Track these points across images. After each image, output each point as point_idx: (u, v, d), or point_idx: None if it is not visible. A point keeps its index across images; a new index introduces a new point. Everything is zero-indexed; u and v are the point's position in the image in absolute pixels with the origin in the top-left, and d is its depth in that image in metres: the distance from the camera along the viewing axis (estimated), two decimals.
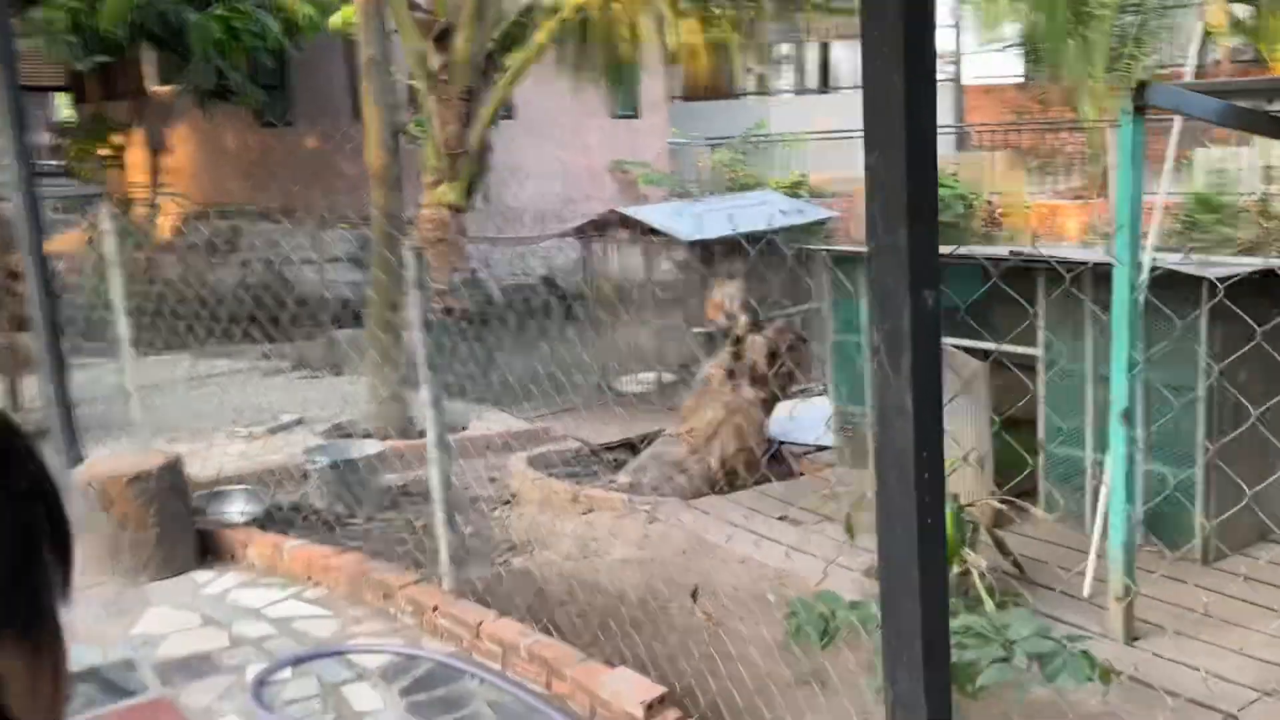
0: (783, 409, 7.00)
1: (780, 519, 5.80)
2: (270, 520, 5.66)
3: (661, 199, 20.59)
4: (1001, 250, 6.15)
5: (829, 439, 6.87)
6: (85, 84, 19.84)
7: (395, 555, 5.23)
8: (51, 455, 5.86)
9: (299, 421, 7.85)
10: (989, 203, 17.03)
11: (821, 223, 8.31)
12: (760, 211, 7.85)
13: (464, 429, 7.87)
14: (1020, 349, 5.46)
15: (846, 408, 6.42)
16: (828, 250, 6.41)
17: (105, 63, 19.32)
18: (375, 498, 6.08)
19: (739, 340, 6.91)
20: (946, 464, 1.92)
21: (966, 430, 5.22)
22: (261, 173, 18.83)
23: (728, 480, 6.66)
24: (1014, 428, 5.31)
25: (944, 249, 1.74)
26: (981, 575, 4.29)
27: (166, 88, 20.24)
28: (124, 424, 6.69)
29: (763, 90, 26.22)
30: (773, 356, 6.82)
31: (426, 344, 4.23)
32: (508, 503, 6.38)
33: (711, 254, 7.41)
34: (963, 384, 5.18)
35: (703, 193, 19.64)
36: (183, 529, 4.96)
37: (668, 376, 8.41)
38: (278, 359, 11.34)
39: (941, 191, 16.71)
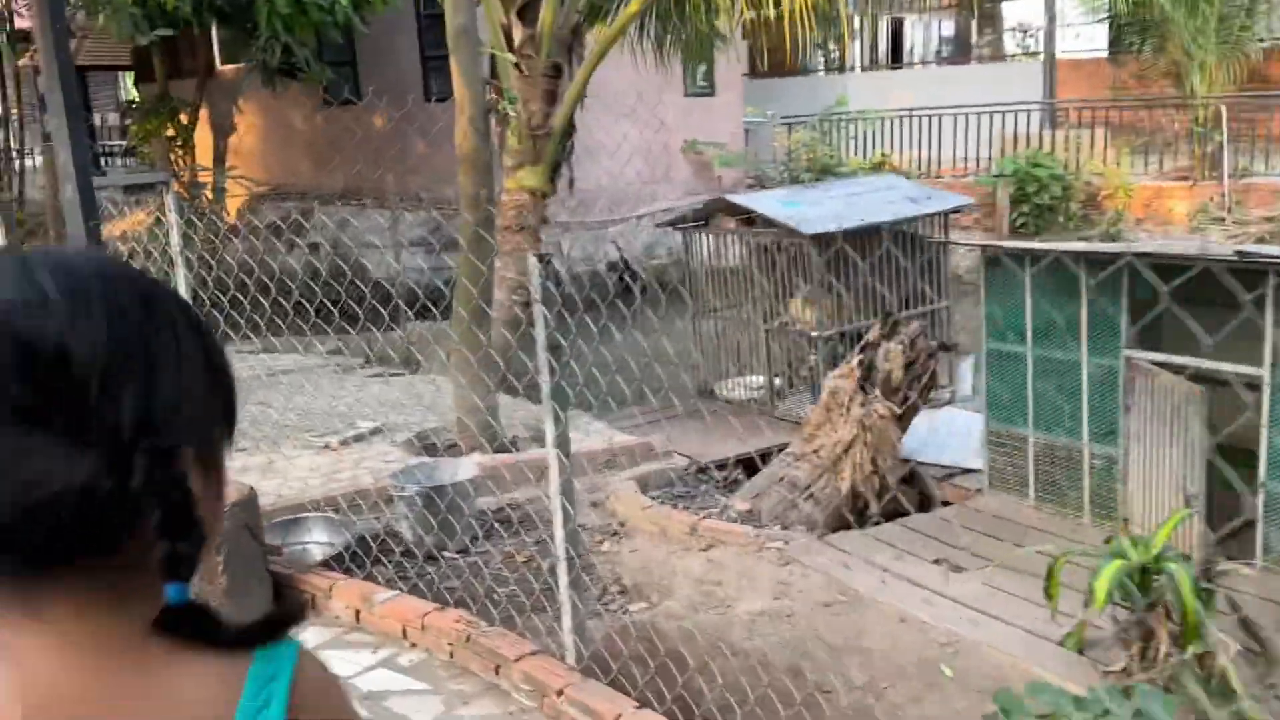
0: (918, 423, 6.14)
1: (936, 563, 4.96)
2: (352, 555, 4.94)
3: (736, 181, 19.70)
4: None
5: (972, 459, 6.02)
6: (150, 62, 19.30)
7: (497, 602, 4.49)
8: None
9: (377, 430, 7.13)
10: (1088, 184, 15.92)
11: (956, 210, 7.39)
12: (885, 199, 6.96)
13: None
14: (1229, 366, 4.56)
15: (1003, 427, 5.55)
16: (985, 246, 5.54)
17: (170, 40, 18.76)
18: (469, 527, 5.34)
19: (871, 347, 6.05)
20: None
21: (1175, 465, 4.33)
22: (328, 153, 18.20)
23: (858, 508, 5.83)
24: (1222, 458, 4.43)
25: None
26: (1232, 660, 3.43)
27: (232, 66, 19.68)
28: None
29: (834, 66, 25.17)
30: (908, 366, 5.96)
31: (551, 367, 3.44)
32: (616, 533, 5.60)
33: (829, 247, 6.55)
34: (1171, 410, 4.29)
35: (783, 175, 18.73)
36: (257, 577, 4.24)
37: (777, 381, 7.56)
38: (350, 354, 10.68)
39: (1037, 171, 15.66)
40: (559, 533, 3.58)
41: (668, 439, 7.00)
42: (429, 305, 11.39)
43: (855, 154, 18.86)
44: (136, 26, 11.68)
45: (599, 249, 17.92)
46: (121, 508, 0.75)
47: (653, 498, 5.96)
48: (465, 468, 5.52)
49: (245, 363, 8.91)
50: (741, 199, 7.36)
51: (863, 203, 6.93)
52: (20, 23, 14.96)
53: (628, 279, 15.65)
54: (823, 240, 6.40)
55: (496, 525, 5.54)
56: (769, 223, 6.62)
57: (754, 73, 21.86)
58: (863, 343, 6.13)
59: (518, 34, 9.23)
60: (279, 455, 6.65)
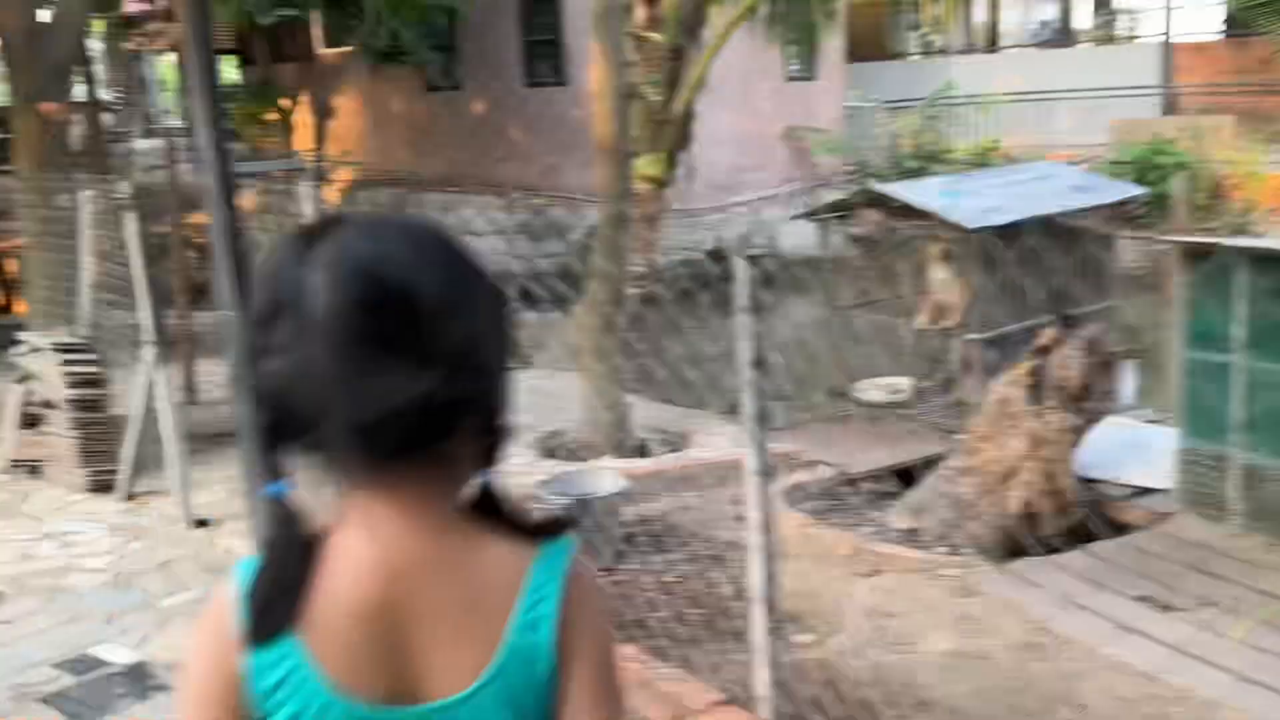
0: (1094, 436, 5.52)
1: (1141, 599, 4.37)
2: None
3: (834, 168, 18.98)
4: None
5: (1154, 478, 5.40)
6: (254, 46, 19.17)
7: (655, 631, 4.03)
8: (247, 473, 4.82)
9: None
10: (1214, 173, 14.95)
11: (1127, 201, 6.73)
12: (1049, 188, 6.34)
13: (683, 447, 6.64)
14: None
15: (1203, 444, 4.93)
16: (1184, 241, 4.92)
17: (273, 25, 18.59)
18: (614, 542, 4.88)
19: (1044, 351, 5.44)
20: None
21: None
22: (427, 139, 17.90)
23: (1029, 528, 5.24)
24: None
25: None
26: None
27: (334, 50, 19.46)
28: None
29: (930, 50, 24.27)
30: (1086, 372, 5.35)
31: (756, 388, 2.95)
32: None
33: (994, 241, 5.95)
34: None
35: (886, 162, 17.96)
36: None
37: (923, 384, 6.99)
38: None
39: (1161, 159, 14.75)
40: (757, 572, 3.09)
41: (803, 447, 6.48)
42: (529, 296, 11.02)
43: (964, 139, 17.99)
44: (259, 7, 11.44)
45: (695, 237, 17.36)
46: (451, 412, 1.00)
47: (801, 511, 5.44)
48: (608, 478, 5.06)
49: None
50: (893, 189, 6.78)
51: (1025, 192, 6.32)
52: (129, 6, 14.88)
53: (718, 270, 15.12)
54: (987, 234, 5.80)
55: (640, 539, 5.08)
56: (924, 214, 6.03)
57: (850, 57, 21.10)
58: (1035, 345, 5.53)
59: (640, 14, 8.73)
60: None
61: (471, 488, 1.05)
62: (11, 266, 17.05)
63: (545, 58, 16.49)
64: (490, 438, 1.05)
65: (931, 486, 5.51)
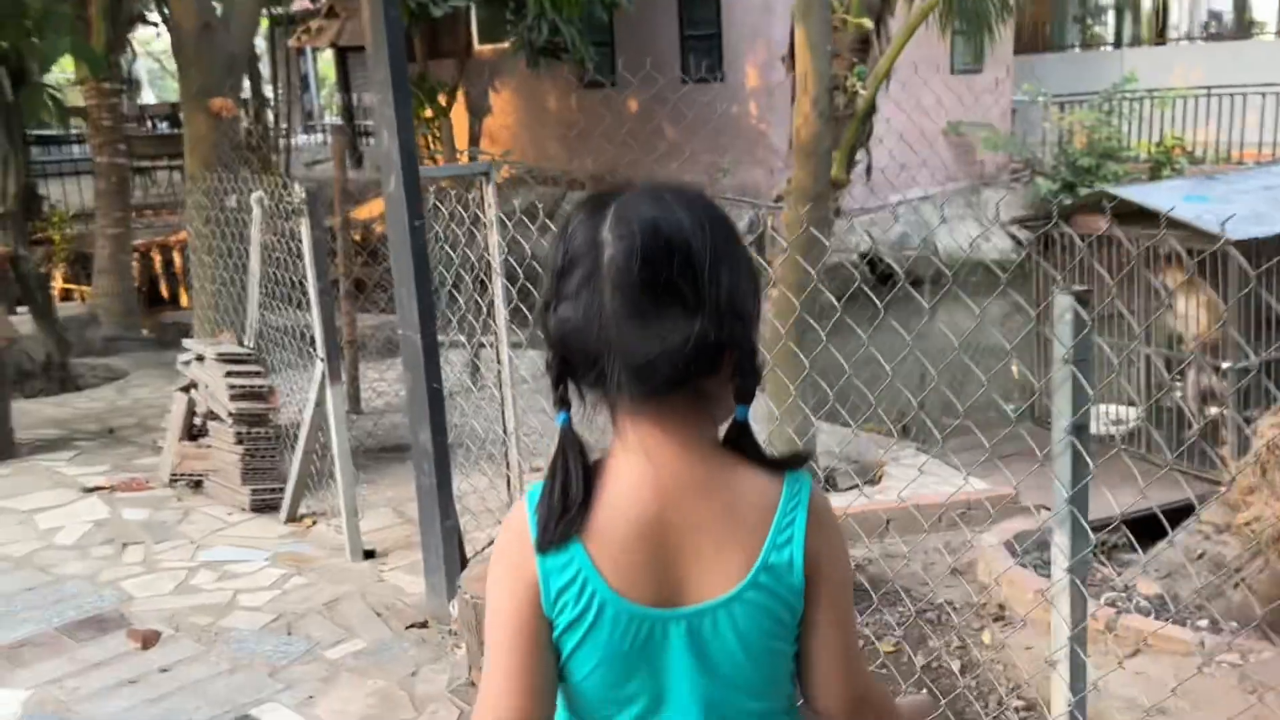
0: None
1: None
2: None
3: (1000, 166, 17.83)
4: None
5: None
6: (411, 43, 19.08)
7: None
8: (424, 504, 4.34)
9: None
10: None
11: None
12: None
13: (878, 480, 5.94)
14: None
15: None
16: None
17: (432, 20, 18.42)
18: None
19: None
20: None
21: None
22: (582, 137, 17.48)
23: None
24: None
25: None
26: None
27: (489, 46, 19.23)
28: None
29: (1099, 41, 22.74)
30: None
31: (1076, 452, 2.27)
32: (999, 618, 4.38)
33: (1257, 254, 5.07)
34: None
35: (1057, 160, 16.77)
36: None
37: (1150, 415, 6.11)
38: None
39: None
40: (1061, 696, 2.41)
41: (1010, 483, 5.70)
42: None
43: (1140, 136, 16.64)
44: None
45: (848, 238, 16.49)
46: (716, 352, 1.12)
47: (1030, 569, 4.70)
48: None
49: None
50: (1129, 191, 5.94)
51: None
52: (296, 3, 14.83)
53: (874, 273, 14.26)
54: (1250, 246, 4.93)
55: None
56: (1154, 219, 5.18)
57: (1015, 49, 19.84)
58: None
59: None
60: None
61: (727, 421, 1.20)
62: (180, 259, 17.41)
63: (704, 53, 15.88)
64: (745, 377, 1.16)
65: (1183, 545, 4.69)
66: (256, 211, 5.11)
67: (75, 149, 24.63)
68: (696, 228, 1.12)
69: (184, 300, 17.22)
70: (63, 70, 15.21)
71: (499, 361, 4.67)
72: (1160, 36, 23.69)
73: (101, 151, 10.42)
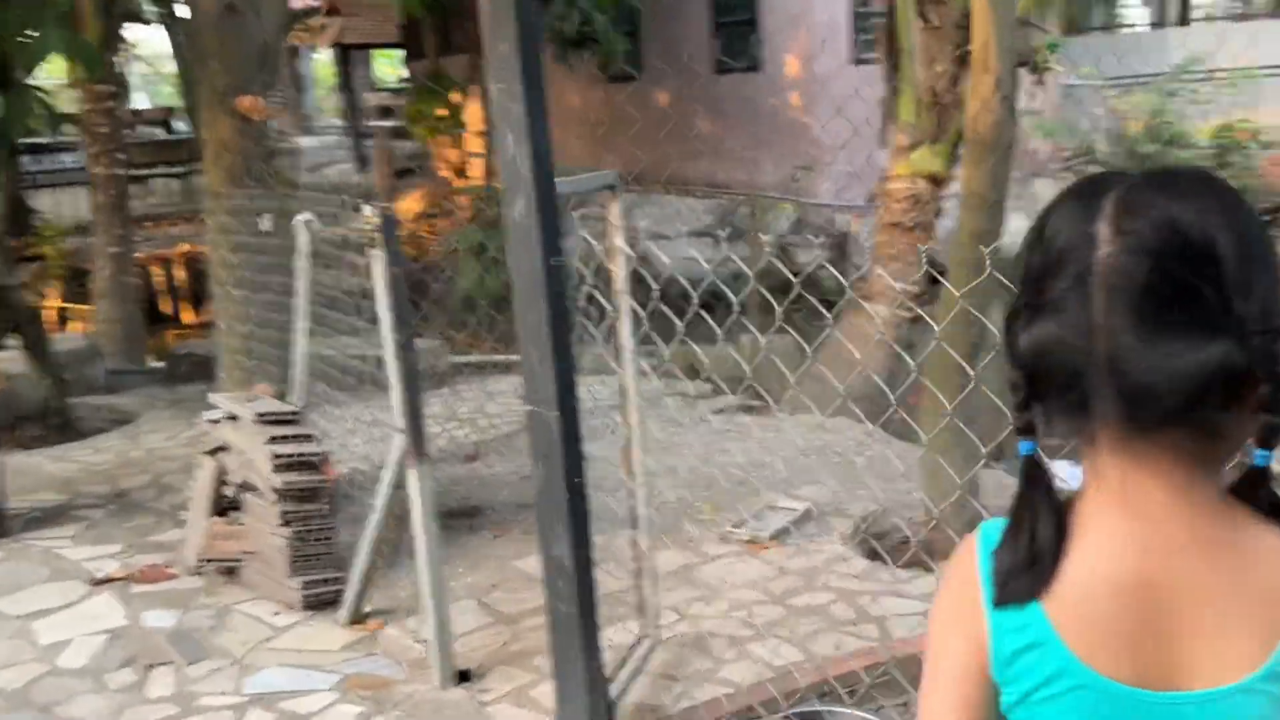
0: None
1: None
2: None
3: (1052, 155, 16.78)
4: None
5: None
6: (420, 39, 18.01)
7: None
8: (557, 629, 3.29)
9: (808, 514, 5.08)
10: None
11: None
12: None
13: None
14: None
15: None
16: None
17: (442, 14, 17.37)
18: None
19: None
20: None
21: None
22: (607, 134, 16.42)
23: None
24: None
25: None
26: None
27: None
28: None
29: (1149, 21, 21.70)
30: None
31: None
32: None
33: None
34: None
35: (1115, 148, 15.77)
36: None
37: None
38: (684, 378, 8.74)
39: None
40: None
41: None
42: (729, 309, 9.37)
43: (1202, 120, 15.57)
44: None
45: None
46: (1238, 381, 0.87)
47: None
48: None
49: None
50: None
51: None
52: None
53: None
54: None
55: None
56: None
57: (1062, 29, 18.75)
58: None
59: None
60: (684, 551, 4.70)
61: (1237, 467, 0.96)
62: (181, 273, 16.33)
63: (739, 41, 14.80)
64: (1273, 413, 0.89)
65: None
66: (303, 238, 4.06)
67: (65, 158, 23.51)
68: (1223, 221, 0.89)
69: (185, 316, 16.20)
70: (48, 73, 14.09)
71: (623, 395, 3.65)
72: (1184, 16, 22.66)
73: (98, 161, 9.36)
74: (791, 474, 5.68)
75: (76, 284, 15.52)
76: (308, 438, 4.40)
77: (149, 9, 10.73)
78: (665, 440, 6.37)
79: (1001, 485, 4.99)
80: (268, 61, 4.68)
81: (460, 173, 17.69)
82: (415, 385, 3.47)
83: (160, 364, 9.67)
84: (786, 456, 5.99)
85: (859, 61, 14.56)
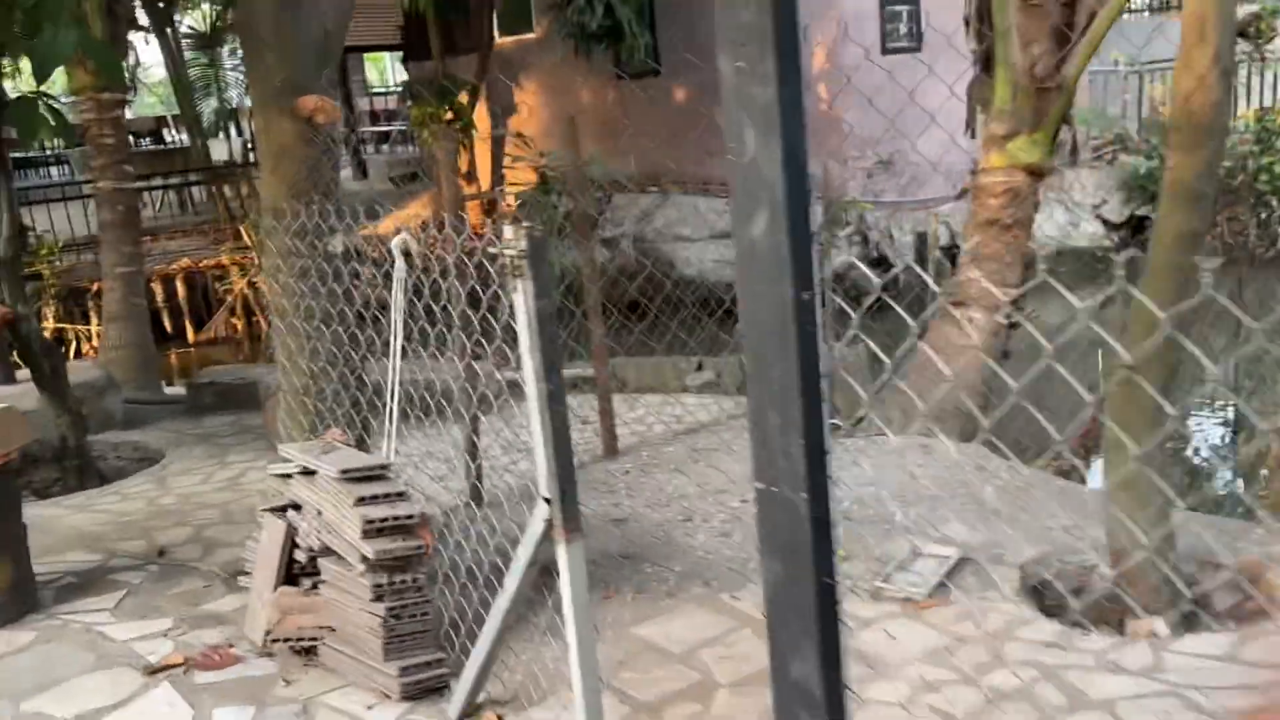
0: None
1: None
2: None
3: (1080, 143, 16.19)
4: None
5: None
6: (424, 38, 17.29)
7: None
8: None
9: (962, 559, 4.42)
10: None
11: None
12: None
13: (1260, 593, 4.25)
14: None
15: None
16: None
17: (445, 13, 16.68)
18: None
19: None
20: None
21: None
22: (622, 134, 15.73)
23: None
24: None
25: None
26: None
27: (512, 38, 17.46)
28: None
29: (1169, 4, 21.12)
30: None
31: None
32: None
33: None
34: None
35: (1150, 135, 15.21)
36: None
37: None
38: (725, 385, 8.12)
39: None
40: None
41: None
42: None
43: (1245, 104, 15.05)
44: None
45: (906, 240, 14.81)
46: None
47: None
48: None
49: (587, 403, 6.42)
50: None
51: None
52: None
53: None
54: None
55: None
56: None
57: None
58: None
59: None
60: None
61: None
62: (182, 290, 15.58)
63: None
64: None
65: None
66: (400, 265, 3.38)
67: (54, 172, 22.65)
68: None
69: (190, 335, 15.47)
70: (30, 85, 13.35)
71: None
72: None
73: (104, 174, 8.64)
74: (919, 508, 5.03)
75: (74, 303, 14.77)
76: (401, 496, 3.73)
77: (144, 17, 9.98)
78: (741, 467, 5.71)
79: (1192, 531, 4.36)
80: (330, 54, 4.00)
81: (469, 178, 17.00)
82: (567, 444, 2.80)
83: (177, 391, 8.96)
84: (899, 486, 5.34)
85: (888, 50, 13.95)
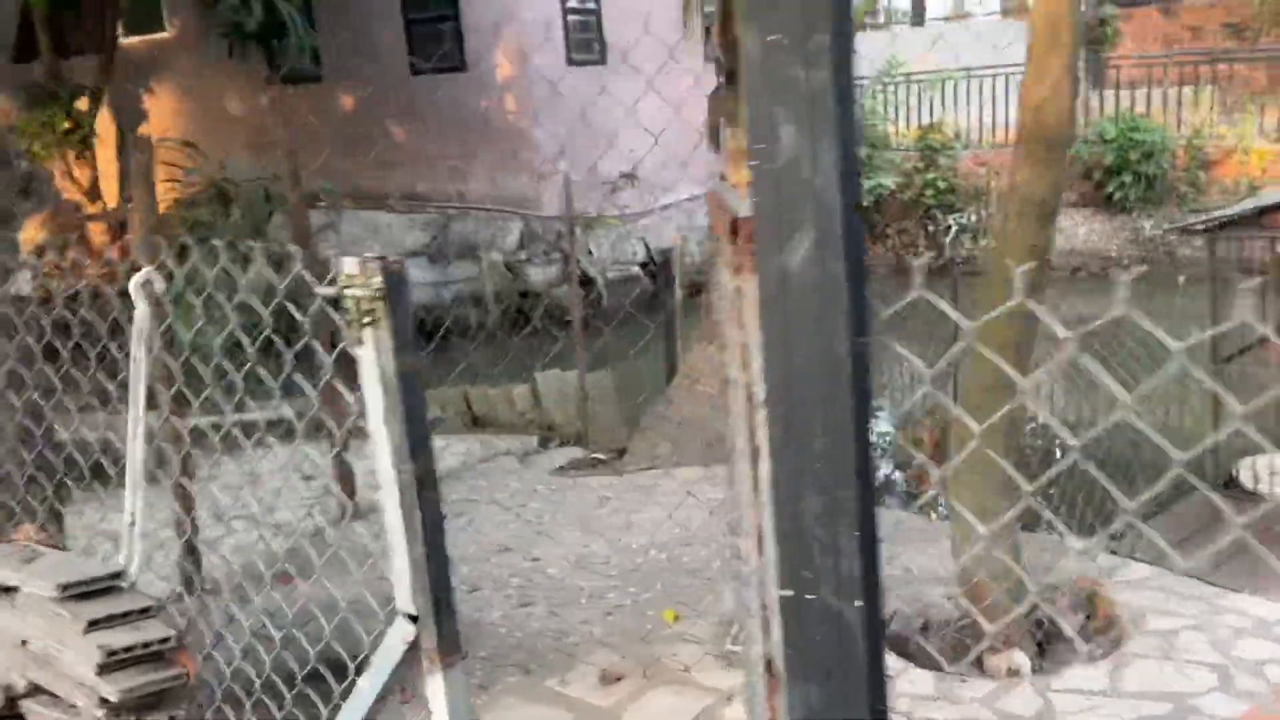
0: None
1: None
2: None
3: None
4: None
5: None
6: (32, 34, 15.07)
7: None
8: None
9: None
10: (1197, 149, 13.76)
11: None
12: None
13: (1117, 627, 4.22)
14: None
15: None
16: None
17: (56, 10, 14.71)
18: None
19: None
20: None
21: None
22: (279, 144, 14.45)
23: None
24: None
25: None
26: None
27: (140, 38, 15.67)
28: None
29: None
30: None
31: None
32: None
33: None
34: None
35: None
36: None
37: None
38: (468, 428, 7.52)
39: (1137, 136, 13.53)
40: None
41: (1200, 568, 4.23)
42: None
43: (904, 123, 16.12)
44: None
45: (627, 246, 14.83)
46: None
47: None
48: None
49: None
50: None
51: None
52: None
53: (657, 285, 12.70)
54: None
55: None
56: None
57: None
58: None
59: None
60: (675, 688, 3.55)
61: None
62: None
63: (436, 39, 13.49)
64: None
65: None
66: (142, 310, 2.48)
67: None
68: None
69: None
70: None
71: None
72: (919, 16, 23.76)
73: None
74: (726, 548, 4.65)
75: None
76: (145, 614, 2.79)
77: None
78: (537, 522, 5.12)
79: (1040, 550, 4.26)
80: None
81: (92, 195, 15.08)
82: (441, 544, 2.09)
83: None
84: (701, 525, 4.95)
85: (573, 62, 13.73)
